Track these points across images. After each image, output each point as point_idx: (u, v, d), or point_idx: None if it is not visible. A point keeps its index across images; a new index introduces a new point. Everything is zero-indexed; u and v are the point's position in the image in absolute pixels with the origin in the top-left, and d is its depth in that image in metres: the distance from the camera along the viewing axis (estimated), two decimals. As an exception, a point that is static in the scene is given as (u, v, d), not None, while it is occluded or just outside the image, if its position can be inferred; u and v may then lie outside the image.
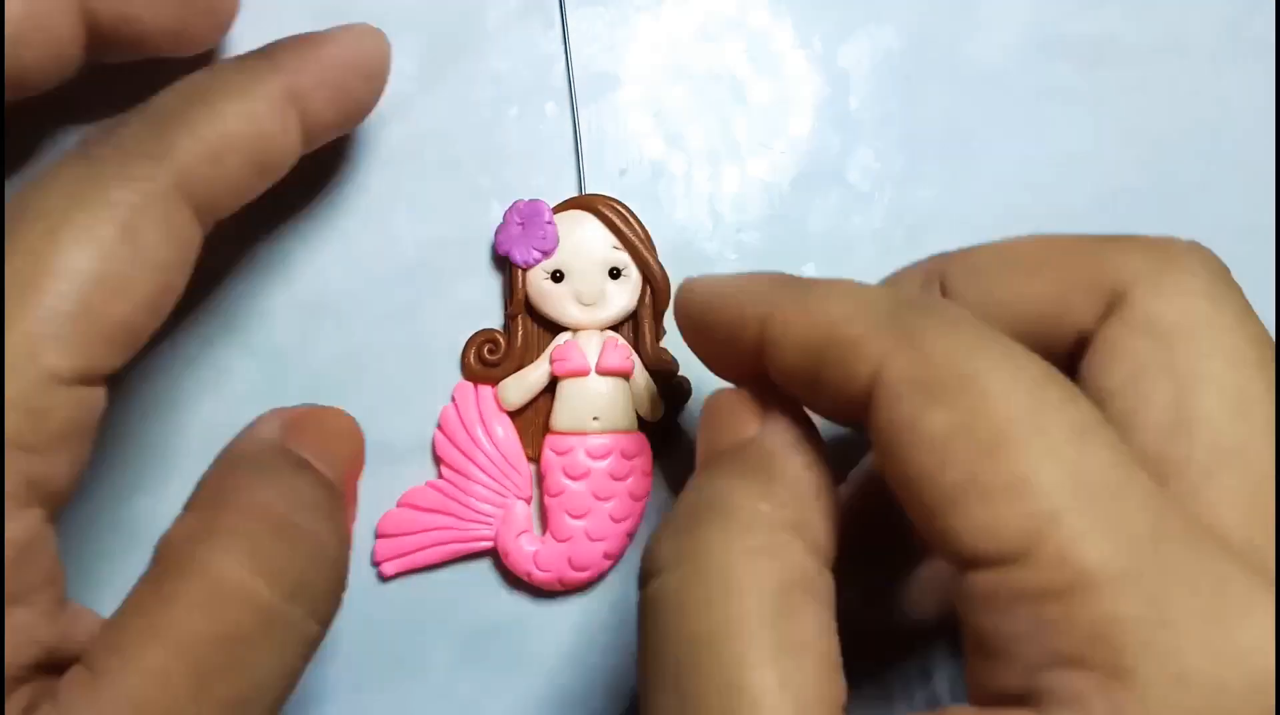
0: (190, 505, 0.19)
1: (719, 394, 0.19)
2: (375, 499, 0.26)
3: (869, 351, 0.15)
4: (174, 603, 0.16)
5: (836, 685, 0.15)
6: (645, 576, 0.16)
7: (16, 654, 0.15)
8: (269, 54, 0.20)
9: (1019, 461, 0.13)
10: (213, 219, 0.19)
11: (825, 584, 0.16)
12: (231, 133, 0.18)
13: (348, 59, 0.21)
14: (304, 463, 0.20)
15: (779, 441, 0.17)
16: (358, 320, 0.26)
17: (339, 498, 0.20)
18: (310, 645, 0.18)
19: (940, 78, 0.28)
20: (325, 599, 0.19)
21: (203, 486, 0.19)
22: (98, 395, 0.17)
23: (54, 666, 0.16)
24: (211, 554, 0.17)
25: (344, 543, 0.20)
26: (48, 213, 0.16)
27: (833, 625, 0.15)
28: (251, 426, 0.21)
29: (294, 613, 0.17)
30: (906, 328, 0.15)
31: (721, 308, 0.18)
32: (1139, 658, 0.12)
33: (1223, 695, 0.12)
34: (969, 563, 0.14)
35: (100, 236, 0.16)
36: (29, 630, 0.16)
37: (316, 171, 0.26)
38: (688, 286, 0.20)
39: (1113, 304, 0.16)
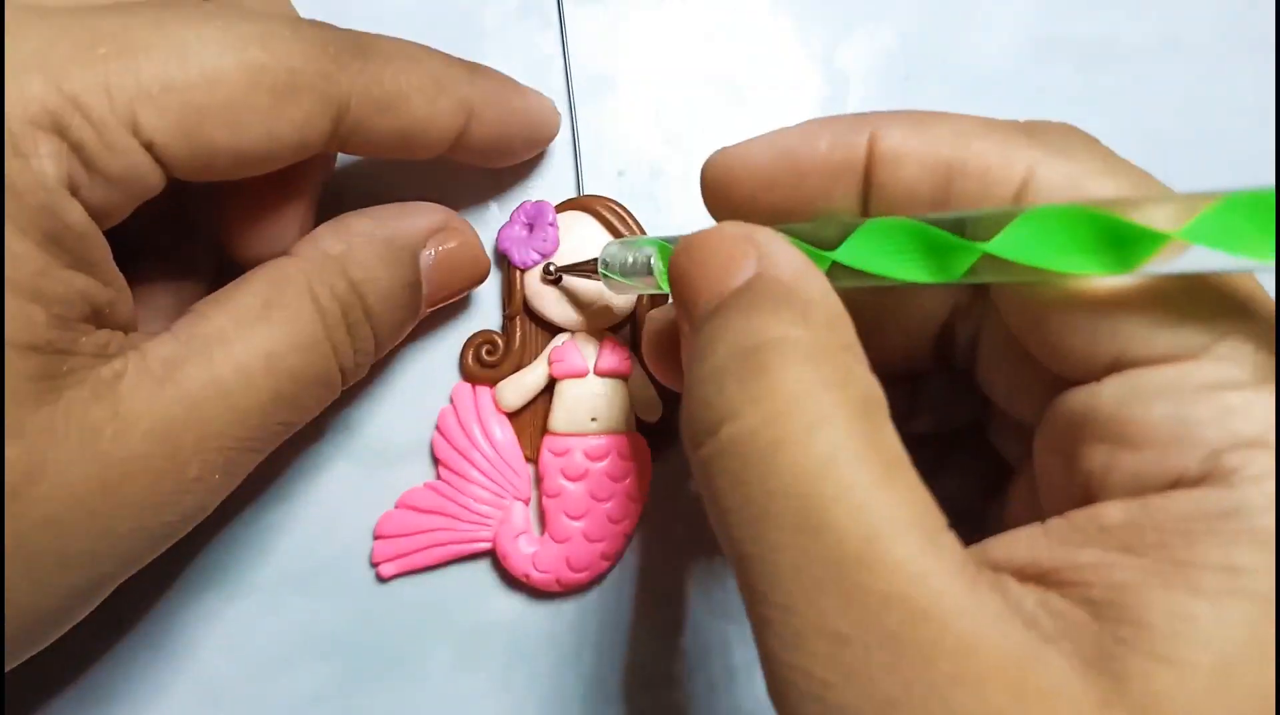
0: (314, 246, 0.21)
1: (695, 237, 0.18)
2: (374, 500, 0.26)
3: (1017, 158, 0.16)
4: (278, 331, 0.20)
5: (928, 492, 0.15)
6: (705, 431, 0.15)
7: (70, 307, 0.17)
8: (473, 67, 0.23)
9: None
10: (342, 139, 0.20)
11: (884, 399, 0.15)
12: (407, 102, 0.21)
13: (525, 116, 0.24)
14: (405, 257, 0.22)
15: (789, 270, 0.16)
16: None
17: (416, 315, 0.24)
18: (330, 401, 0.22)
19: (939, 77, 0.28)
20: (363, 369, 0.23)
21: (320, 234, 0.22)
22: (151, 172, 0.18)
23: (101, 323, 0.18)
24: (317, 313, 0.20)
25: (392, 341, 0.23)
26: (214, 14, 0.18)
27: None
28: (416, 210, 0.23)
29: (337, 379, 0.21)
30: (1054, 142, 0.16)
31: (805, 148, 0.18)
32: None
33: None
34: (1136, 361, 0.15)
35: (241, 56, 0.18)
36: (83, 288, 0.17)
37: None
38: (722, 156, 0.19)
39: (1019, 192, 0.17)
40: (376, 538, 0.26)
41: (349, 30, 0.20)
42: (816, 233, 0.18)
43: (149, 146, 0.17)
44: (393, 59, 0.20)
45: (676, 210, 0.27)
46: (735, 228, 0.17)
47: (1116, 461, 0.15)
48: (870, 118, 0.18)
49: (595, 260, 0.23)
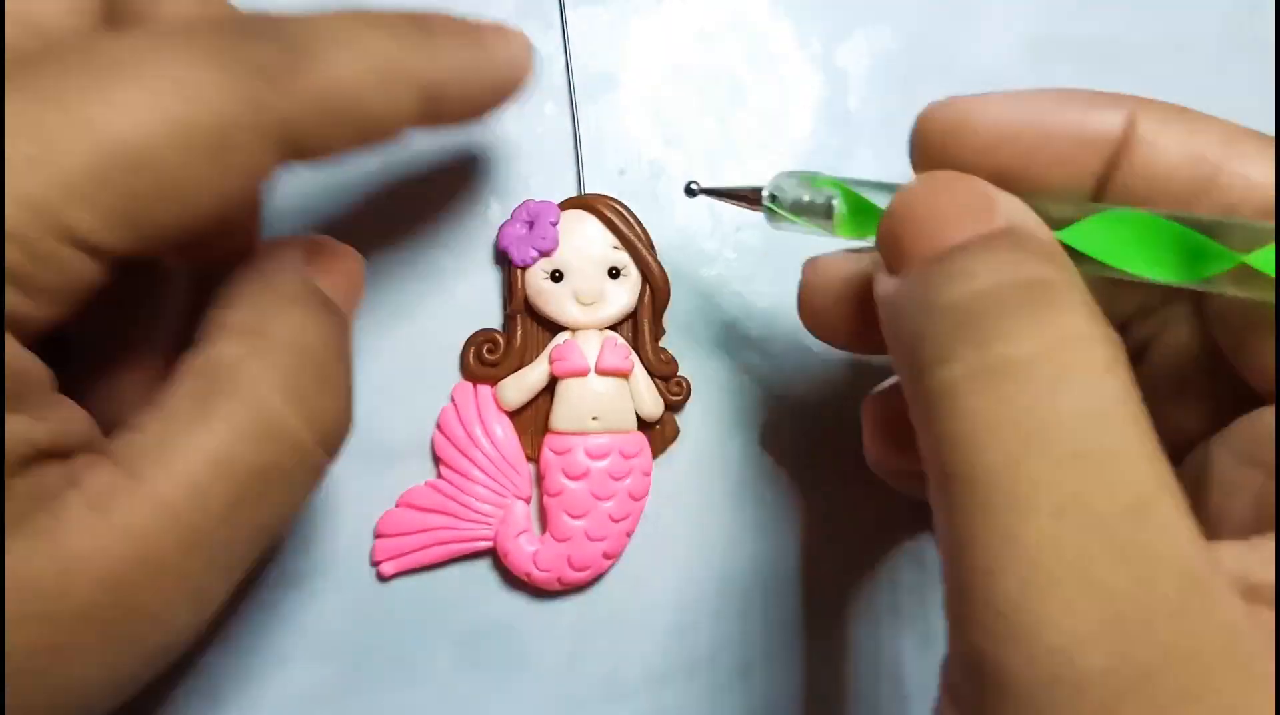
0: (228, 325, 0.18)
1: (935, 180, 0.17)
2: (374, 499, 0.26)
3: None
4: (220, 425, 0.17)
5: None
6: (966, 347, 0.15)
7: (14, 451, 0.15)
8: (427, 29, 0.19)
9: None
10: (294, 158, 0.18)
11: None
12: (358, 104, 0.18)
13: (496, 75, 0.20)
14: (331, 305, 0.19)
15: (1029, 221, 0.16)
16: (358, 320, 0.26)
17: (350, 342, 0.20)
18: (320, 482, 0.19)
19: (939, 77, 0.28)
20: (340, 441, 0.19)
21: (237, 305, 0.18)
22: (93, 269, 0.16)
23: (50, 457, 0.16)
24: (258, 386, 0.17)
25: (352, 387, 0.20)
26: (120, 63, 0.15)
27: None
28: (274, 249, 0.20)
29: (320, 455, 0.18)
30: None
31: (1057, 111, 0.18)
32: None
33: None
34: None
35: (163, 119, 0.15)
36: (23, 432, 0.15)
37: (316, 173, 0.27)
38: (976, 102, 0.19)
39: None
40: (377, 536, 0.26)
41: (276, 26, 0.17)
42: (1041, 208, 0.17)
43: (83, 246, 0.15)
44: (330, 52, 0.17)
45: (678, 209, 0.27)
46: (973, 179, 0.17)
47: None
48: (1126, 98, 0.17)
49: (754, 189, 0.21)
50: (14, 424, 0.15)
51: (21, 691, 0.15)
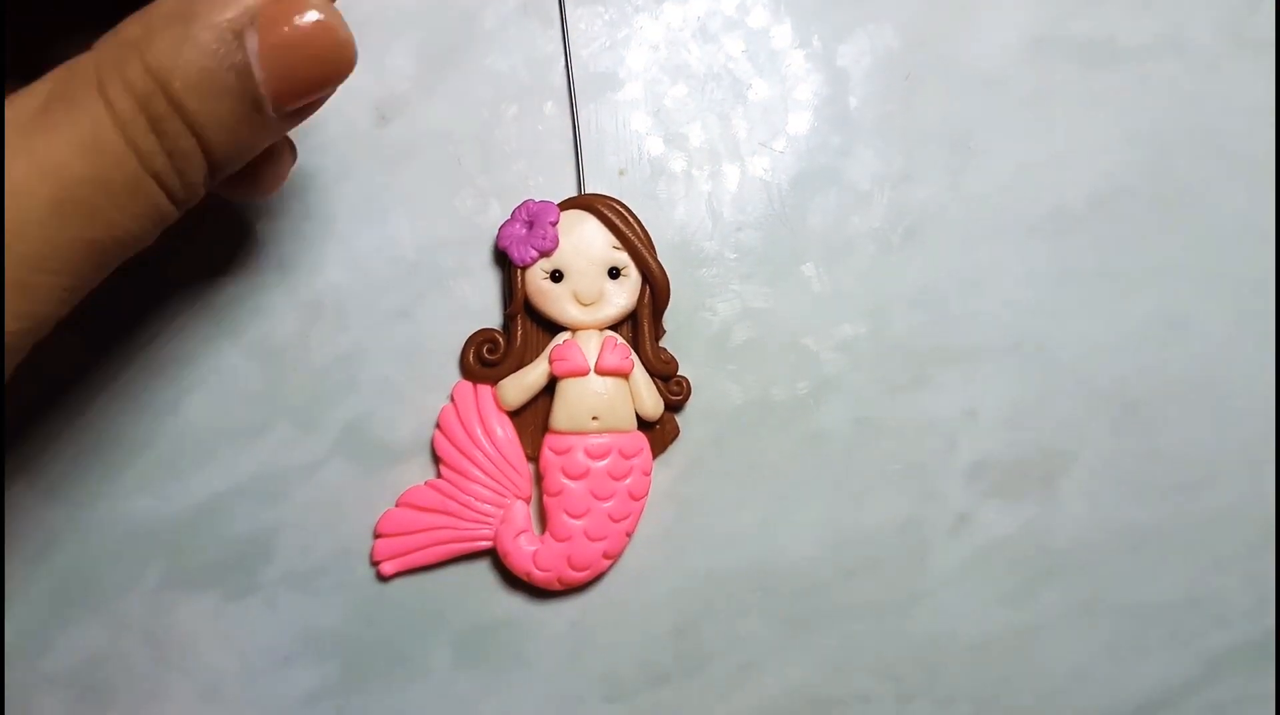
0: (112, 35, 0.18)
1: None
2: (374, 499, 0.26)
3: None
4: (57, 134, 0.17)
5: None
6: None
7: None
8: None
9: None
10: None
11: None
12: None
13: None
14: (245, 69, 0.18)
15: None
16: (358, 320, 0.26)
17: (260, 115, 0.19)
18: (163, 222, 0.19)
19: (939, 77, 0.28)
20: (189, 189, 0.19)
21: (133, 20, 0.18)
22: None
23: None
24: (105, 107, 0.17)
25: (232, 149, 0.19)
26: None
27: None
28: None
29: (154, 189, 0.18)
30: None
31: None
32: None
33: None
34: None
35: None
36: None
37: (316, 172, 0.26)
38: None
39: None
40: (377, 536, 0.26)
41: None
42: None
43: None
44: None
45: (679, 209, 0.27)
46: None
47: None
48: None
49: None
50: None
51: None
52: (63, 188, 0.17)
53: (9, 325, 0.17)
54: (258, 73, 0.18)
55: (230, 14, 0.17)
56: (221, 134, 0.18)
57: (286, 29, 0.18)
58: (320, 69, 0.19)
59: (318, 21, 0.18)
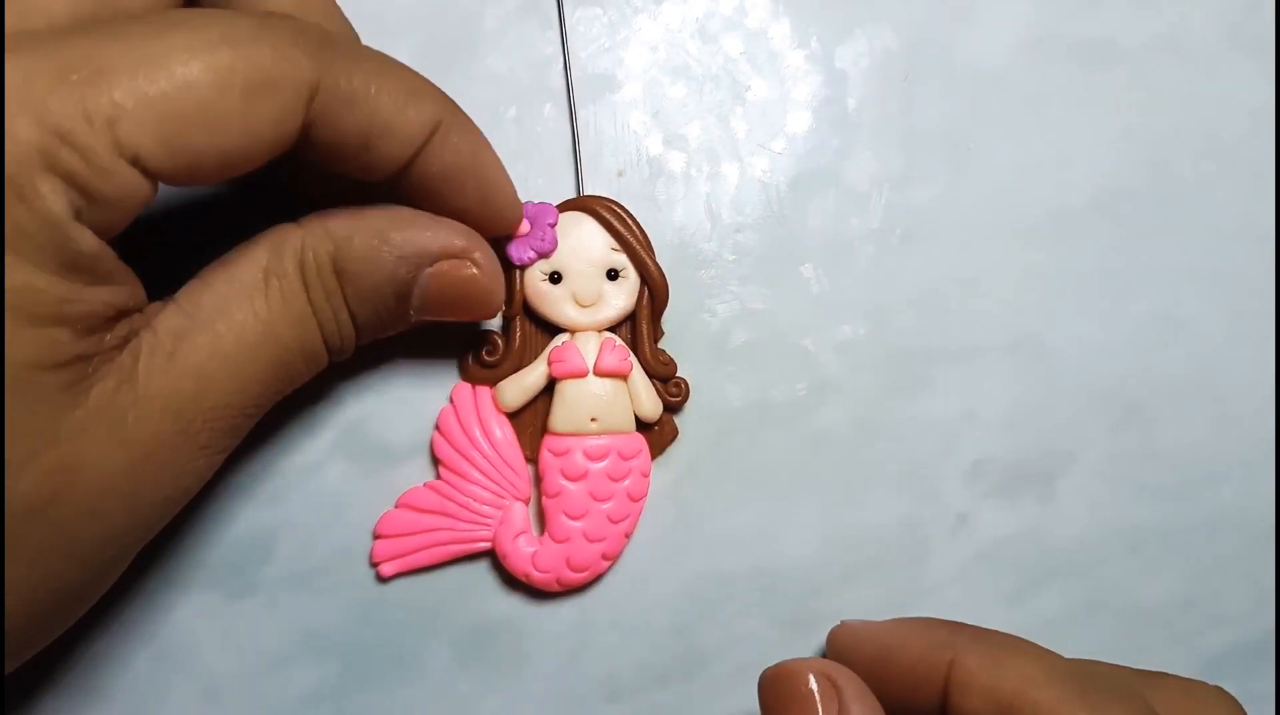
0: (321, 223, 0.22)
1: (783, 676, 0.21)
2: (374, 500, 0.26)
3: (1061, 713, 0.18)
4: (276, 306, 0.21)
5: None
6: None
7: (94, 319, 0.18)
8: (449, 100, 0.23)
9: None
10: (306, 130, 0.20)
11: None
12: (374, 100, 0.20)
13: (495, 167, 0.24)
14: (405, 295, 0.23)
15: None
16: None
17: (403, 321, 0.23)
18: (320, 366, 0.23)
19: (939, 77, 0.28)
20: (341, 353, 0.23)
21: (343, 219, 0.22)
22: (143, 185, 0.18)
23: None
24: (306, 292, 0.21)
25: (376, 333, 0.23)
26: (179, 20, 0.18)
27: None
28: (438, 224, 0.22)
29: (324, 354, 0.22)
30: (1098, 707, 0.18)
31: (900, 651, 0.22)
32: None
33: None
34: None
35: (209, 60, 0.18)
36: (107, 298, 0.18)
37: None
38: (844, 629, 0.24)
39: None
40: (376, 537, 0.26)
41: (322, 28, 0.20)
42: None
43: (135, 162, 0.17)
44: (364, 60, 0.20)
45: (677, 210, 0.27)
46: (816, 666, 0.21)
47: None
48: (958, 635, 0.21)
49: None
50: (98, 295, 0.18)
51: (104, 517, 0.18)
52: (279, 351, 0.21)
53: (210, 460, 0.20)
54: (416, 301, 0.22)
55: (412, 251, 0.22)
56: (370, 327, 0.23)
57: (450, 280, 0.22)
58: (468, 312, 0.23)
59: (474, 277, 0.23)
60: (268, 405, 0.21)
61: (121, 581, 0.25)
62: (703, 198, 0.27)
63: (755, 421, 0.27)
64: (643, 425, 0.26)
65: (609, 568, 0.26)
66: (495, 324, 0.26)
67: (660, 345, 0.26)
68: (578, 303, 0.25)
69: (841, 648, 0.23)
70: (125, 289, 0.19)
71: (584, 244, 0.25)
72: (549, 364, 0.25)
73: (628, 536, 0.26)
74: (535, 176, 0.27)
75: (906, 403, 0.27)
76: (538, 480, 0.26)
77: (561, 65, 0.27)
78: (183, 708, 0.26)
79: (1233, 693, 0.22)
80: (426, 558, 0.26)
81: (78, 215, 0.17)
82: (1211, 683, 0.22)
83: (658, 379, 0.26)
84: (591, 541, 0.25)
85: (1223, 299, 0.28)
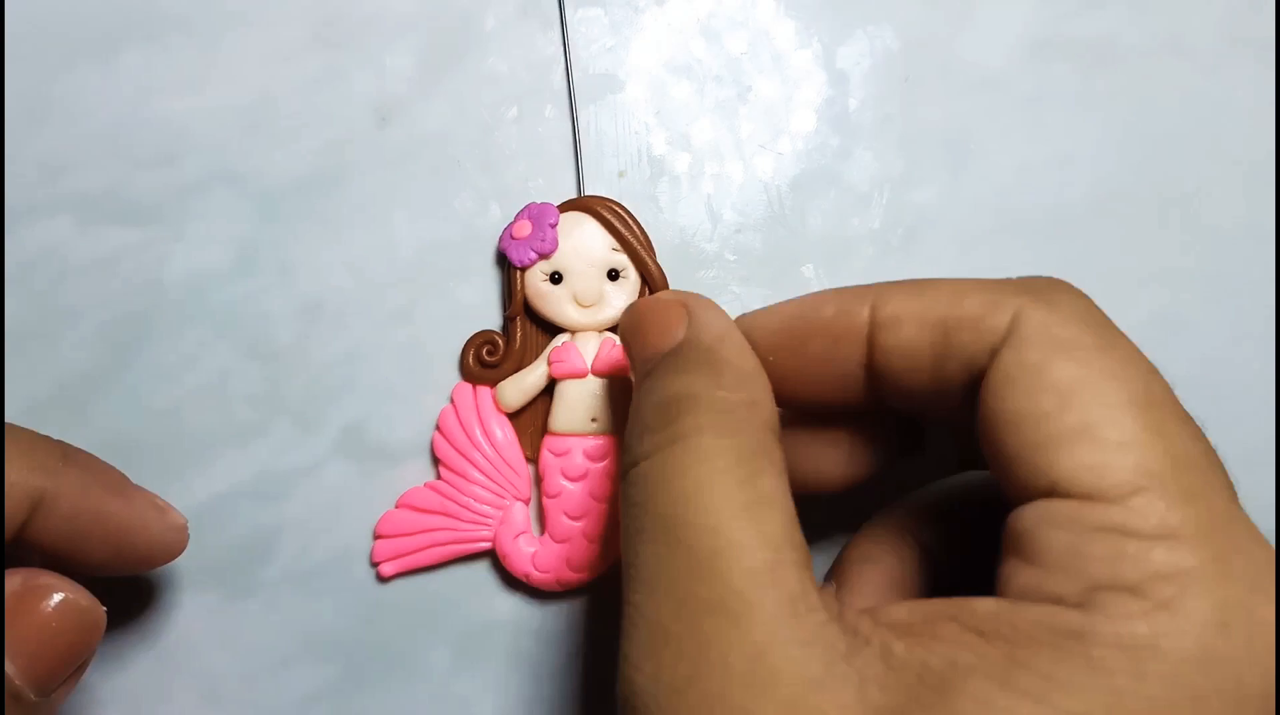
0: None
1: (639, 304, 0.21)
2: (374, 500, 0.26)
3: (1006, 305, 0.17)
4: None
5: (800, 533, 0.17)
6: (626, 468, 0.18)
7: None
8: (66, 451, 0.21)
9: (1136, 425, 0.16)
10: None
11: (779, 452, 0.18)
12: None
13: (118, 523, 0.21)
14: None
15: (712, 335, 0.19)
16: (357, 320, 0.26)
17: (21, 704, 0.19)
18: None
19: (939, 77, 0.28)
20: None
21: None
22: None
23: None
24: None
25: None
26: None
27: (788, 487, 0.18)
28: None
29: None
30: (1041, 292, 0.18)
31: (813, 311, 0.20)
32: (1196, 600, 0.15)
33: (1252, 645, 0.15)
34: (1063, 492, 0.16)
35: None
36: None
37: (316, 173, 0.27)
38: (748, 314, 0.21)
39: (1006, 335, 0.18)
40: (377, 537, 0.26)
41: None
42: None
43: None
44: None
45: (678, 211, 0.27)
46: (671, 295, 0.20)
47: (1016, 572, 0.16)
48: (872, 289, 0.19)
49: None
50: None
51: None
52: None
53: None
54: (9, 666, 0.18)
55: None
56: None
57: (35, 616, 0.19)
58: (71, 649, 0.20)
59: (64, 601, 0.19)
60: None
61: (122, 582, 0.25)
62: (704, 198, 0.27)
63: (755, 422, 0.27)
64: (643, 425, 0.26)
65: (609, 567, 0.26)
66: (495, 324, 0.26)
67: (661, 345, 0.26)
68: (578, 303, 0.25)
69: (748, 326, 0.21)
70: None
71: (585, 244, 0.25)
72: (549, 364, 0.25)
73: (628, 536, 0.26)
74: (536, 177, 0.27)
75: (907, 403, 0.27)
76: (538, 480, 0.26)
77: (563, 66, 0.27)
78: (183, 708, 0.26)
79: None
80: (427, 558, 0.26)
81: None
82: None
83: (658, 379, 0.26)
84: (591, 541, 0.25)
85: (1223, 299, 0.28)
